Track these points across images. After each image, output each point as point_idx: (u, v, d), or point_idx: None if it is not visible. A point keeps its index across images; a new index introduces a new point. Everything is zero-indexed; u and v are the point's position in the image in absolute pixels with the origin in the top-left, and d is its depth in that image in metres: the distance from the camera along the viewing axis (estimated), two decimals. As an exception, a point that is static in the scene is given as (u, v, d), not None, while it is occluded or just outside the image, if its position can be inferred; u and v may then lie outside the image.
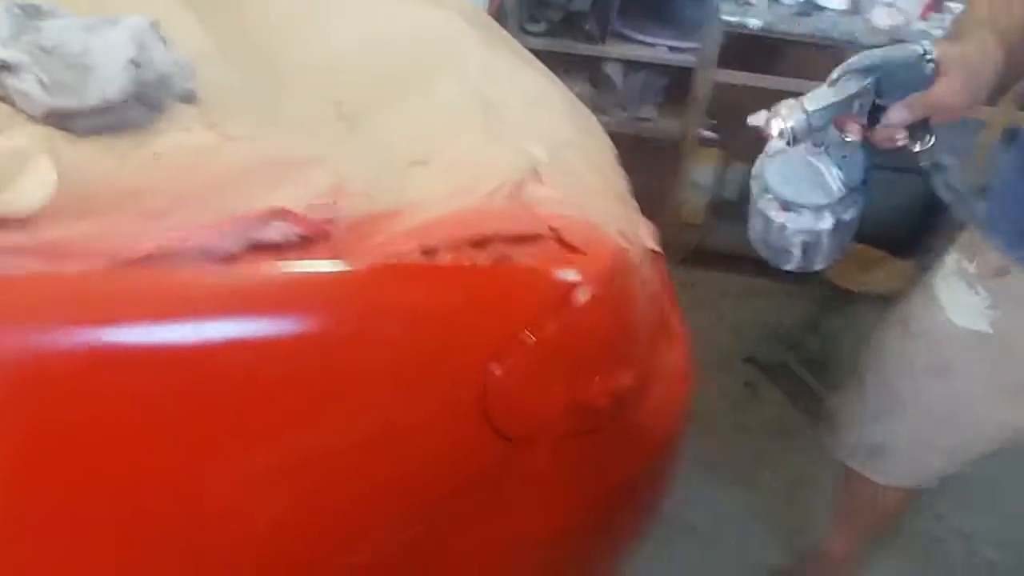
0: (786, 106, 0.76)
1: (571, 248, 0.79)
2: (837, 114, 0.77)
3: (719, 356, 2.28)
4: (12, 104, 0.70)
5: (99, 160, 0.67)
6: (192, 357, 0.62)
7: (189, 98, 0.82)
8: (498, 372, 0.64)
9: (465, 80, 1.04)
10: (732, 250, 2.55)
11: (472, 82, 1.04)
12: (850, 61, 0.78)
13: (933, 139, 0.82)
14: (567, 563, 0.83)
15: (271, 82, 0.92)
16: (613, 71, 2.55)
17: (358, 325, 0.64)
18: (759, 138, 0.81)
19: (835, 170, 0.80)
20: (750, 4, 2.24)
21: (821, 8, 2.24)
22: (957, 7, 2.44)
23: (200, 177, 0.70)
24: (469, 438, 0.66)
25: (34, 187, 0.60)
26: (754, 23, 2.19)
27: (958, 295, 1.13)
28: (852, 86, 0.76)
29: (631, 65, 2.52)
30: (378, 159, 0.86)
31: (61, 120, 0.71)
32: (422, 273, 0.68)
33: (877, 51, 0.79)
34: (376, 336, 0.64)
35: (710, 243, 2.68)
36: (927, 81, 0.78)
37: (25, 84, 0.69)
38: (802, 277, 2.68)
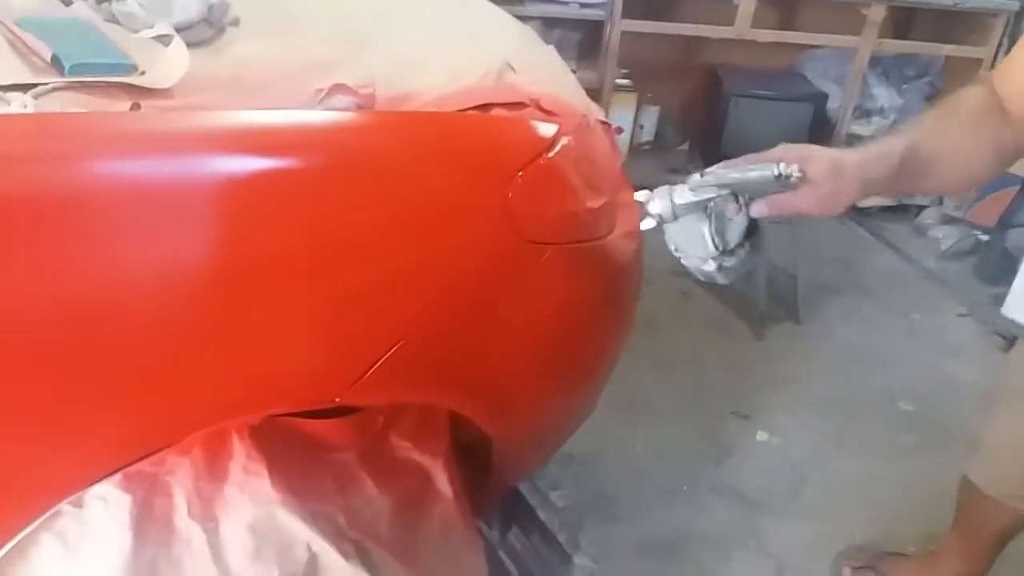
0: (660, 195, 0.94)
1: (548, 112, 1.06)
2: (697, 210, 0.94)
3: (651, 272, 2.56)
4: (118, 23, 0.91)
5: (197, 59, 0.89)
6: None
7: (236, 23, 1.04)
8: (521, 181, 0.89)
9: (438, 12, 1.30)
10: (650, 183, 2.85)
11: (443, 14, 1.30)
12: (708, 177, 0.92)
13: None
14: (566, 353, 1.09)
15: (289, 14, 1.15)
16: (533, 28, 2.83)
17: (419, 153, 0.87)
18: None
19: (714, 235, 0.95)
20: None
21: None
22: None
23: (274, 70, 0.93)
24: (498, 237, 0.91)
25: (174, 64, 0.82)
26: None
27: None
28: (711, 192, 0.92)
29: (548, 22, 2.80)
30: (385, 66, 1.10)
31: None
32: (459, 118, 0.95)
33: (734, 172, 0.91)
34: (428, 158, 0.87)
35: (630, 177, 2.97)
36: (789, 188, 0.89)
37: (128, 6, 0.91)
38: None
